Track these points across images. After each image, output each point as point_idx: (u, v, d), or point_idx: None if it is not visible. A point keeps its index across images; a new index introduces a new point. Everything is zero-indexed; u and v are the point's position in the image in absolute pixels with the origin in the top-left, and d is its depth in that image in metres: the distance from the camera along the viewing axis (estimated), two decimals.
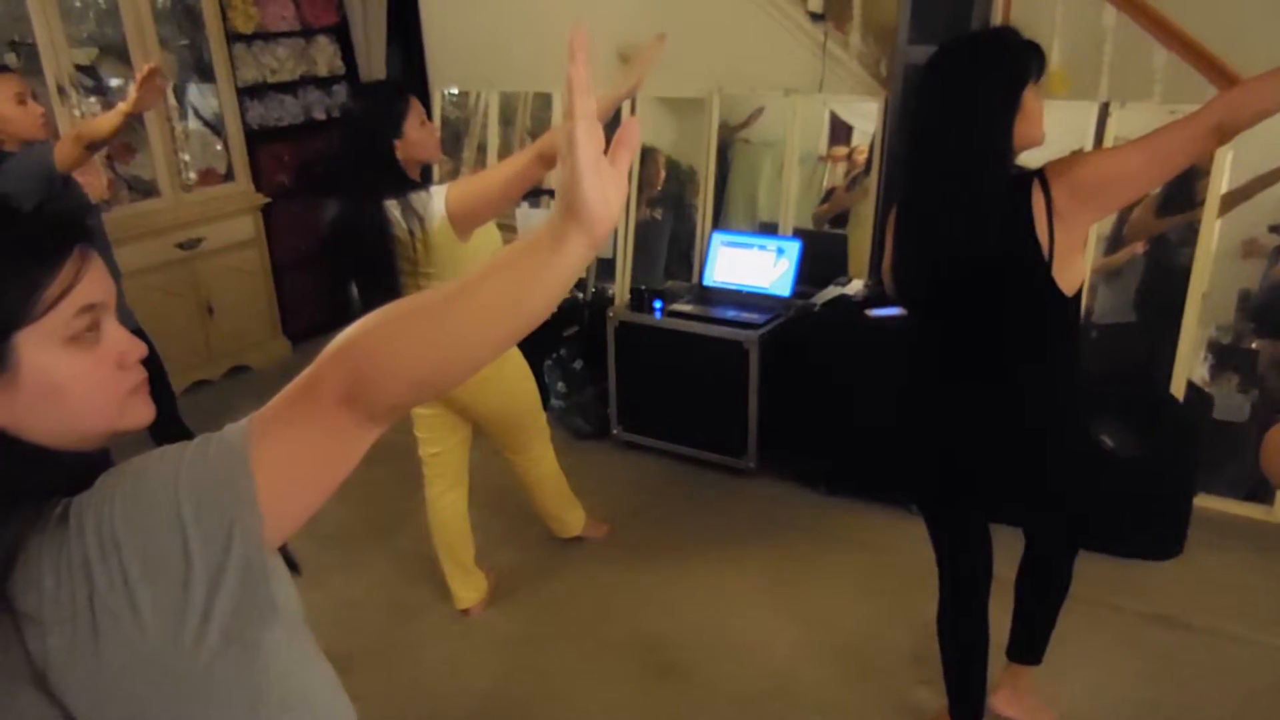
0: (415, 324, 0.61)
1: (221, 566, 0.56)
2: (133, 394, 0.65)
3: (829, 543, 2.48)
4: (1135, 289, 2.54)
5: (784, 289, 2.79)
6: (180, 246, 3.46)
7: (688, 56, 2.73)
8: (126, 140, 3.32)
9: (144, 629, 0.55)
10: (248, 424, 0.59)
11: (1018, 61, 1.35)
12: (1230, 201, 2.38)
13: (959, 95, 1.36)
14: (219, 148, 3.68)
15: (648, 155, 3.19)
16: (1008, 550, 1.68)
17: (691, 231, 3.14)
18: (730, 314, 2.73)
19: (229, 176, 3.68)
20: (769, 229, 3.01)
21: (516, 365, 2.12)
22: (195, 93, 3.64)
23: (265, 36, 3.67)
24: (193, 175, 3.57)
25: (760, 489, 2.74)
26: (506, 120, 3.52)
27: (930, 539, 1.67)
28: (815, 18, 2.86)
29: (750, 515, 2.63)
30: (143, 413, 0.66)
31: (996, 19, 2.51)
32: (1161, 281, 2.47)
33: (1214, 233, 2.37)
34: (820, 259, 2.84)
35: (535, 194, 3.35)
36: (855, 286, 2.74)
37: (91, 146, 2.06)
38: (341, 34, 3.92)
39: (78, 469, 0.59)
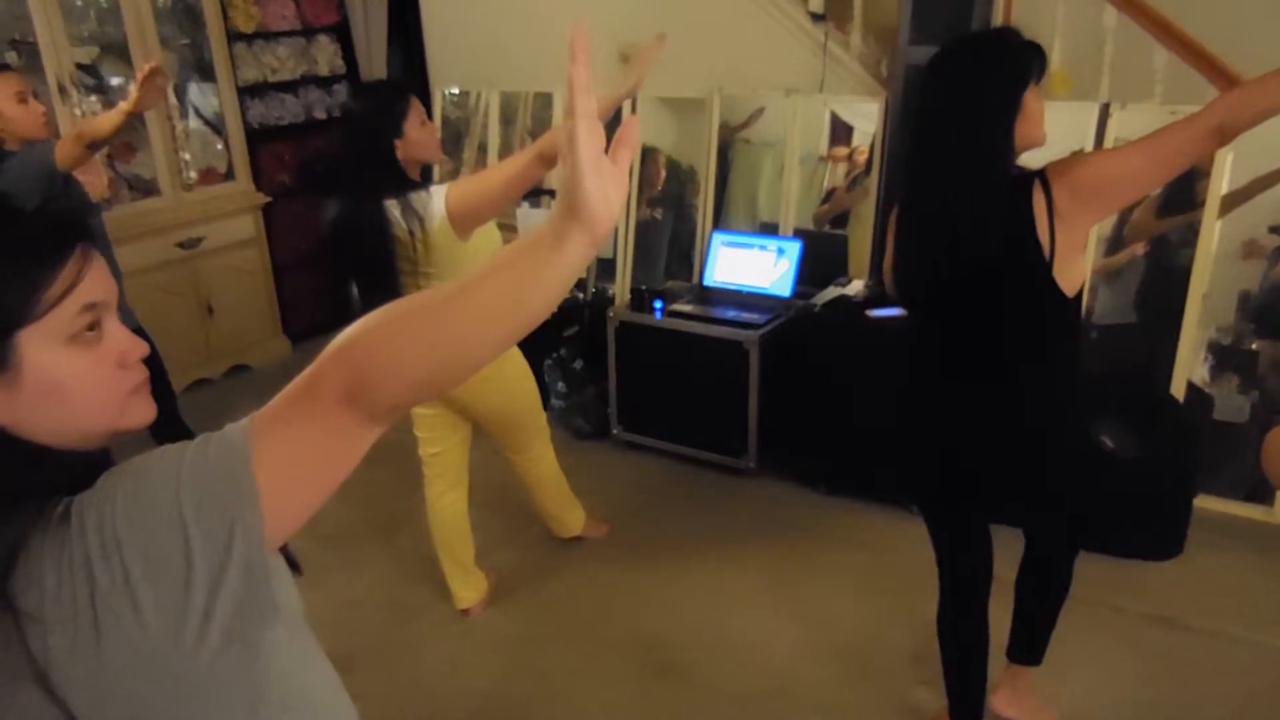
0: (416, 323, 0.61)
1: (223, 566, 0.56)
2: (134, 393, 0.65)
3: (829, 543, 2.48)
4: (1135, 290, 2.54)
5: (784, 289, 2.79)
6: (180, 246, 3.46)
7: (688, 56, 2.73)
8: (127, 139, 3.32)
9: (145, 628, 0.55)
10: (249, 423, 0.60)
11: (1019, 62, 1.35)
12: (1230, 202, 2.38)
13: (960, 96, 1.36)
14: (219, 147, 3.68)
15: (648, 155, 3.19)
16: (1008, 550, 1.68)
17: (692, 231, 3.14)
18: (730, 314, 2.73)
19: (229, 176, 3.68)
20: (769, 229, 3.01)
21: (517, 365, 2.12)
22: (196, 92, 3.64)
23: (266, 36, 3.67)
24: (193, 174, 3.57)
25: (760, 489, 2.74)
26: (507, 120, 3.52)
27: (930, 539, 1.67)
28: (816, 18, 2.86)
29: (750, 515, 2.63)
30: (144, 412, 0.66)
31: (997, 19, 2.51)
32: (1162, 282, 2.47)
33: (1214, 234, 2.38)
34: (820, 259, 2.85)
35: (536, 194, 3.35)
36: (855, 287, 2.74)
37: (92, 145, 2.07)
38: (342, 33, 3.92)
39: (79, 468, 0.59)
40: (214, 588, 0.56)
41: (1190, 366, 2.44)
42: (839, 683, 1.98)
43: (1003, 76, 1.35)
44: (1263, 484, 2.42)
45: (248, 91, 3.65)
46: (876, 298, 2.57)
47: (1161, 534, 2.32)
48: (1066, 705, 1.83)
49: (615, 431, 2.99)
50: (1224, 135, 1.26)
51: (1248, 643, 2.02)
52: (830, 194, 3.00)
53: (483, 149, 3.56)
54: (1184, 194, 2.41)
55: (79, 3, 3.27)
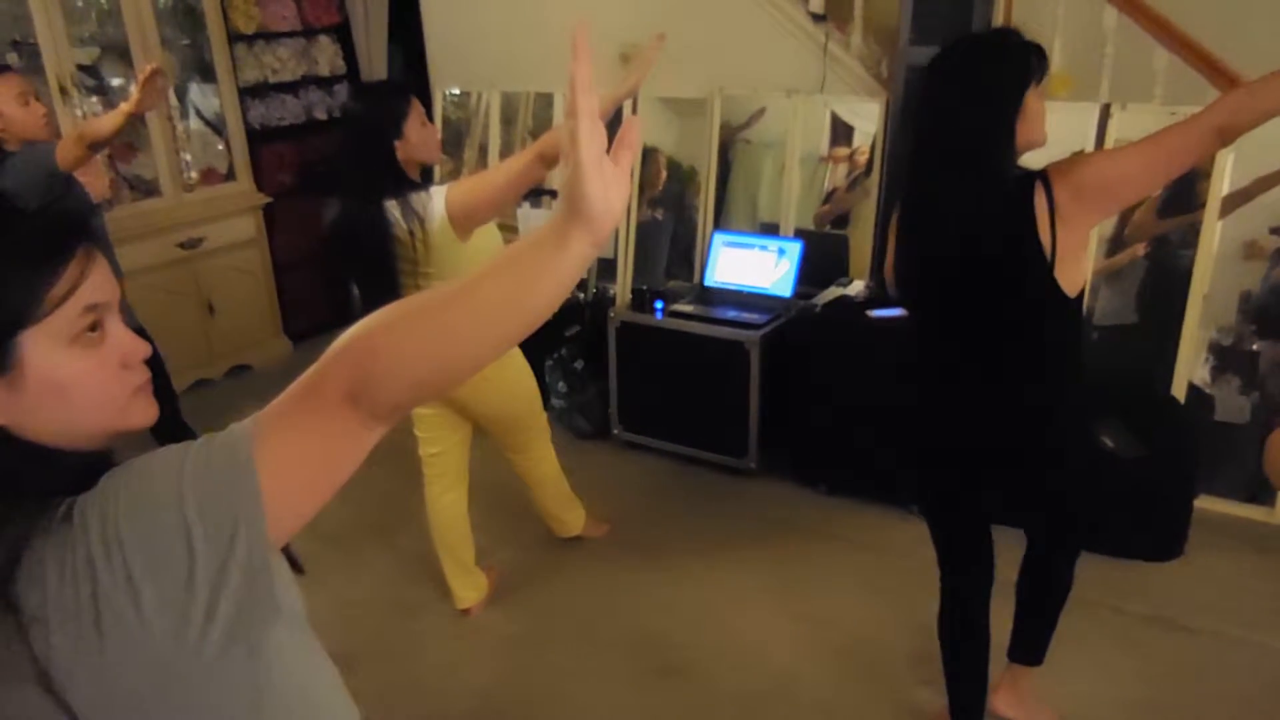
0: (418, 323, 0.61)
1: (225, 565, 0.56)
2: (136, 394, 0.65)
3: (830, 543, 2.48)
4: (1136, 290, 2.53)
5: (785, 289, 2.79)
6: (181, 246, 3.46)
7: (689, 57, 2.74)
8: (128, 140, 3.33)
9: (147, 627, 0.55)
10: (251, 423, 0.60)
11: (1020, 62, 1.35)
12: (1231, 203, 2.38)
13: (962, 96, 1.36)
14: (220, 147, 3.69)
15: (649, 155, 3.19)
16: (1009, 551, 1.68)
17: (693, 232, 3.14)
18: (731, 314, 2.73)
19: (230, 176, 3.68)
20: (770, 229, 3.01)
21: (517, 365, 2.12)
22: (197, 92, 3.65)
23: (266, 36, 3.68)
24: (194, 175, 3.58)
25: (761, 489, 2.74)
26: (508, 120, 3.52)
27: (931, 539, 1.67)
28: (817, 19, 2.87)
29: (751, 515, 2.63)
30: (146, 413, 0.66)
31: (998, 20, 2.51)
32: (1163, 283, 2.47)
33: (1215, 234, 2.37)
34: (821, 259, 2.85)
35: (536, 194, 3.35)
36: (856, 287, 2.74)
37: (93, 146, 2.07)
38: (343, 34, 3.93)
39: (81, 468, 0.59)
40: (216, 587, 0.56)
41: (1191, 367, 2.44)
42: (839, 682, 1.98)
43: (1004, 77, 1.35)
44: (1263, 485, 2.42)
45: (248, 92, 3.65)
46: (877, 298, 2.57)
47: (1162, 535, 2.32)
48: (1067, 705, 1.83)
49: (616, 431, 2.99)
50: (1225, 136, 1.26)
51: (1248, 643, 2.02)
52: (831, 194, 3.00)
53: (483, 150, 3.56)
54: (1185, 194, 2.41)
55: (80, 4, 3.28)
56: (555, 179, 3.52)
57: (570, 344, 3.10)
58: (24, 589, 0.55)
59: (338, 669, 0.74)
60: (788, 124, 2.95)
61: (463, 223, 1.81)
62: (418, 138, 1.86)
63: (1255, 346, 2.44)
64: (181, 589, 0.55)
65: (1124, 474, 2.23)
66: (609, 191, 0.60)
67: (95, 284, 0.62)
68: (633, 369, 2.90)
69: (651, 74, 1.80)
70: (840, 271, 2.87)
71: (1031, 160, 1.41)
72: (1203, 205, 2.38)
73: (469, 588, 2.26)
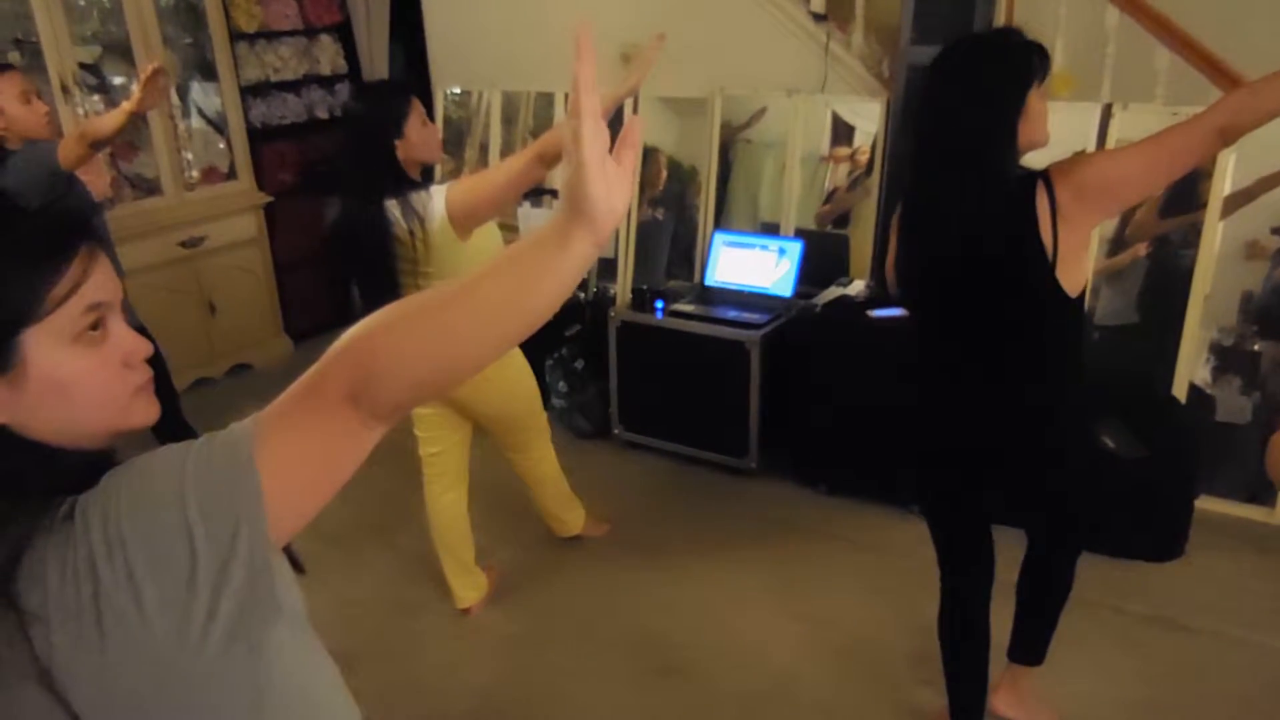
0: (419, 323, 0.61)
1: (227, 564, 0.56)
2: (138, 393, 0.65)
3: (830, 543, 2.48)
4: (1138, 290, 2.53)
5: (785, 289, 2.79)
6: (183, 245, 3.46)
7: (690, 57, 2.74)
8: (129, 139, 3.33)
9: (149, 626, 0.55)
10: (253, 423, 0.60)
11: (1023, 62, 1.35)
12: (1233, 203, 2.37)
13: (964, 96, 1.36)
14: (222, 146, 3.69)
15: (649, 155, 3.19)
16: (1009, 551, 1.68)
17: (693, 231, 3.14)
18: (732, 314, 2.73)
19: (231, 175, 3.68)
20: (771, 229, 3.01)
21: (517, 364, 2.12)
22: (198, 91, 3.65)
23: (268, 35, 3.68)
24: (195, 174, 3.58)
25: (761, 489, 2.74)
26: (509, 120, 3.52)
27: (932, 539, 1.67)
28: (818, 18, 2.86)
29: (751, 515, 2.63)
30: (148, 412, 0.66)
31: (999, 20, 2.51)
32: (1164, 283, 2.46)
33: (1216, 234, 2.37)
34: (822, 259, 2.84)
35: (537, 193, 3.35)
36: (857, 287, 2.74)
37: (95, 145, 2.07)
38: (344, 33, 3.93)
39: (83, 468, 0.59)
40: (218, 586, 0.56)
41: (1192, 367, 2.43)
42: (839, 682, 1.98)
43: (1006, 76, 1.35)
44: (1264, 485, 2.42)
45: (250, 91, 3.66)
46: (878, 298, 2.57)
47: (1163, 535, 2.32)
48: (1067, 705, 1.83)
49: (616, 431, 2.99)
50: (1227, 136, 1.26)
51: (1249, 644, 2.02)
52: (831, 194, 3.00)
53: (484, 149, 3.56)
54: (1186, 194, 2.40)
55: (81, 2, 3.28)
56: (555, 178, 3.51)
57: (570, 343, 3.10)
58: (25, 588, 0.55)
59: (338, 668, 0.74)
60: (788, 124, 2.95)
61: (463, 222, 1.81)
62: (418, 137, 1.86)
63: (1256, 347, 2.43)
64: (183, 588, 0.55)
65: (1124, 474, 2.22)
66: (611, 191, 0.60)
67: (98, 283, 0.62)
68: (633, 369, 2.90)
69: (652, 73, 1.80)
70: (841, 271, 2.87)
71: (1033, 160, 1.41)
72: (1204, 205, 2.37)
73: (469, 587, 2.26)
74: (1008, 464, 1.54)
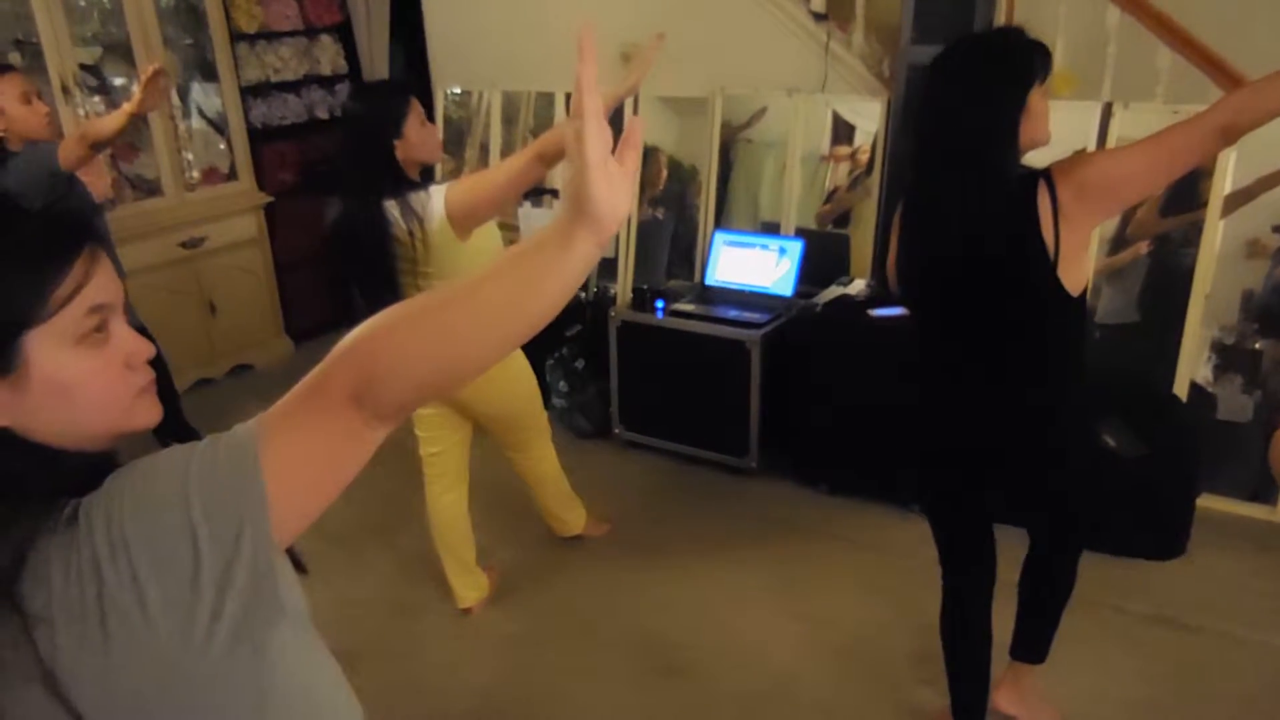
0: (422, 324, 0.61)
1: (230, 566, 0.56)
2: (141, 395, 0.65)
3: (830, 542, 2.48)
4: (1138, 289, 2.53)
5: (786, 289, 2.79)
6: (183, 245, 3.46)
7: (690, 56, 2.74)
8: (130, 139, 3.33)
9: (153, 627, 0.55)
10: (256, 424, 0.60)
11: (1024, 61, 1.35)
12: (1234, 202, 2.37)
13: (966, 95, 1.36)
14: (222, 147, 3.69)
15: (650, 155, 3.19)
16: (1011, 550, 1.68)
17: (693, 231, 3.14)
18: (732, 314, 2.73)
19: (232, 175, 3.68)
20: (771, 229, 3.01)
21: (518, 364, 2.12)
22: (199, 92, 3.65)
23: (268, 36, 3.68)
24: (196, 174, 3.58)
25: (762, 488, 2.74)
26: (509, 120, 3.52)
27: (933, 538, 1.67)
28: (818, 17, 2.86)
29: (751, 515, 2.63)
30: (150, 413, 0.66)
31: (999, 19, 2.51)
32: (1165, 282, 2.46)
33: (1217, 233, 2.37)
34: (822, 259, 2.84)
35: (537, 193, 3.35)
36: (857, 286, 2.74)
37: (96, 146, 2.07)
38: (344, 33, 3.93)
39: (85, 470, 0.59)
40: (222, 588, 0.56)
41: (1193, 366, 2.43)
42: (840, 682, 1.98)
43: (1008, 76, 1.35)
44: (1266, 483, 2.42)
45: (250, 91, 3.66)
46: (878, 297, 2.57)
47: (1164, 534, 2.31)
48: (1068, 704, 1.83)
49: (617, 431, 3.00)
50: (1229, 135, 1.26)
51: (1250, 642, 2.02)
52: (832, 193, 3.00)
53: (484, 149, 3.56)
54: (1187, 193, 2.40)
55: (82, 3, 3.28)
56: (556, 178, 3.52)
57: (571, 343, 3.10)
58: (29, 590, 0.55)
59: (340, 668, 0.74)
60: (789, 123, 2.94)
61: (462, 222, 1.81)
62: (417, 137, 1.86)
63: (1257, 345, 2.43)
64: (187, 590, 0.55)
65: (1126, 473, 2.22)
66: (614, 192, 0.60)
67: (100, 284, 0.62)
68: (633, 368, 2.90)
69: (652, 73, 1.80)
70: (841, 271, 2.87)
71: (1034, 159, 1.41)
72: (1205, 204, 2.37)
73: (470, 587, 2.26)
74: (1009, 464, 1.53)
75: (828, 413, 2.61)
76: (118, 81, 3.36)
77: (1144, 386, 2.45)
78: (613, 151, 0.61)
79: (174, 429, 2.24)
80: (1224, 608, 2.12)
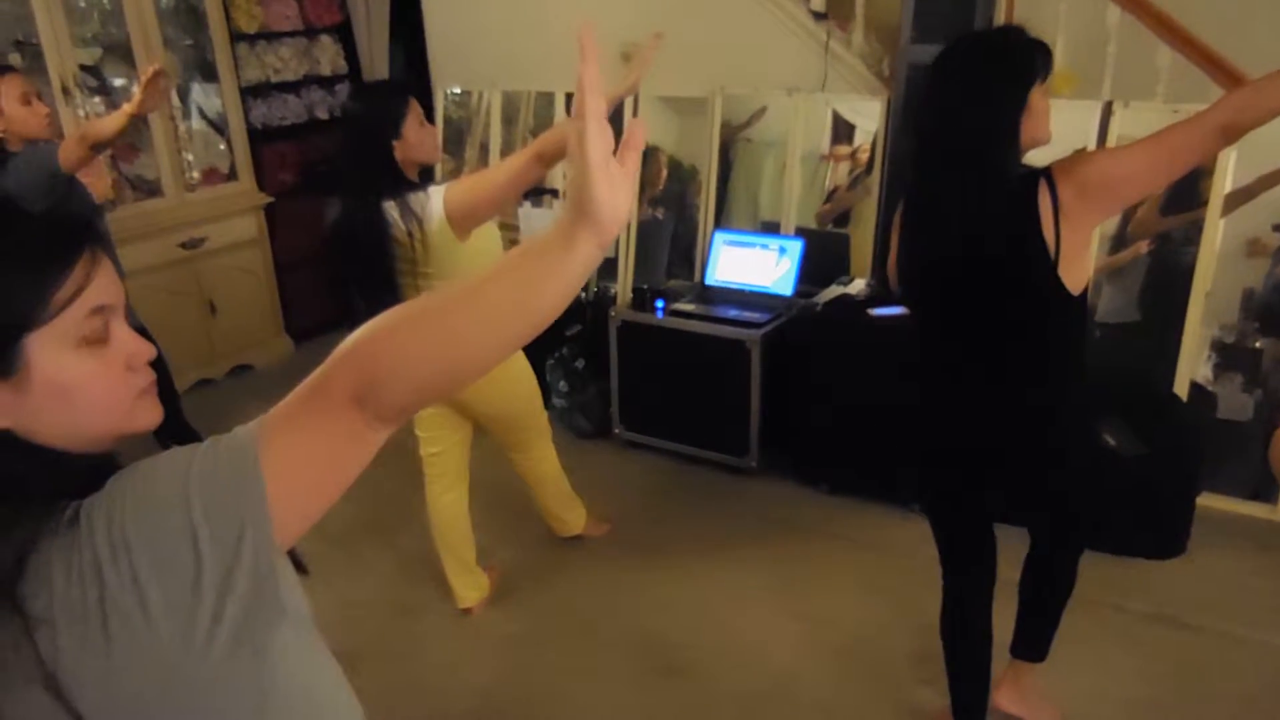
0: (423, 326, 0.61)
1: (232, 568, 0.56)
2: (142, 396, 0.65)
3: (831, 542, 2.48)
4: (1139, 288, 2.53)
5: (786, 288, 2.79)
6: (183, 246, 3.46)
7: (690, 56, 2.73)
8: (130, 140, 3.33)
9: (154, 630, 0.55)
10: (257, 426, 0.60)
11: (1025, 60, 1.35)
12: (1234, 200, 2.37)
13: (967, 94, 1.36)
14: (222, 147, 3.69)
15: (650, 155, 3.19)
16: (1011, 550, 1.68)
17: (693, 231, 3.14)
18: (732, 313, 2.73)
19: (232, 176, 3.68)
20: (771, 228, 3.01)
21: (518, 364, 2.12)
22: (199, 92, 3.65)
23: (268, 36, 3.68)
24: (196, 175, 3.58)
25: (762, 488, 2.74)
26: (509, 120, 3.52)
27: (934, 538, 1.67)
28: (818, 17, 2.86)
29: (752, 514, 2.63)
30: (151, 415, 0.66)
31: (999, 18, 2.50)
32: (1165, 280, 2.46)
33: (1218, 232, 2.37)
34: (822, 258, 2.84)
35: (538, 193, 3.35)
36: (857, 286, 2.74)
37: (96, 147, 2.07)
38: (344, 33, 3.93)
39: (86, 471, 0.59)
40: (223, 590, 0.56)
41: (1193, 365, 2.43)
42: (840, 682, 1.98)
43: (1008, 75, 1.35)
44: (1266, 482, 2.42)
45: (250, 92, 3.66)
46: (878, 296, 2.57)
47: (1164, 533, 2.31)
48: (1069, 703, 1.83)
49: (617, 431, 3.00)
50: (1230, 134, 1.26)
51: (1251, 641, 2.02)
52: (832, 193, 3.00)
53: (484, 149, 3.56)
54: (1188, 192, 2.40)
55: (82, 4, 3.28)
56: (555, 178, 3.51)
57: (571, 343, 3.10)
58: (31, 592, 0.55)
59: (340, 668, 0.74)
60: (789, 122, 2.94)
61: (461, 222, 1.81)
62: (416, 138, 1.86)
63: (1258, 344, 2.43)
64: (188, 592, 0.55)
65: (1126, 472, 2.22)
66: (615, 193, 0.60)
67: (101, 286, 0.62)
68: (634, 368, 2.90)
69: (652, 73, 1.80)
70: (841, 270, 2.87)
71: (1035, 158, 1.41)
72: (1205, 202, 2.37)
73: (470, 587, 2.26)
74: (1009, 463, 1.53)
75: (828, 412, 2.61)
76: (118, 82, 3.36)
77: (1144, 385, 2.45)
78: (614, 153, 0.61)
79: (174, 430, 2.24)
80: (1224, 607, 2.12)
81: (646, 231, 3.23)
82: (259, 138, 3.71)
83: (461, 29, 3.57)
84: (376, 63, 3.91)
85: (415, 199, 1.81)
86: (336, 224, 1.87)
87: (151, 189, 3.44)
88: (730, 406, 2.72)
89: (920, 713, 1.88)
